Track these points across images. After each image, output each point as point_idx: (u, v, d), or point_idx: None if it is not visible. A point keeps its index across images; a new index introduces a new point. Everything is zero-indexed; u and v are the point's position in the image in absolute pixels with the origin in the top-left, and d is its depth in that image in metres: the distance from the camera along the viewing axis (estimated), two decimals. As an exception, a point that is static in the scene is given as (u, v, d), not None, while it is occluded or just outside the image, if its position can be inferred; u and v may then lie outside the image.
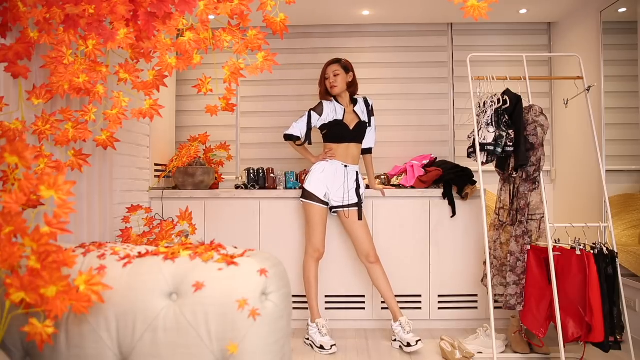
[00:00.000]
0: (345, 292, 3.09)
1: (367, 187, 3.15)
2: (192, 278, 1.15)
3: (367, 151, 3.01)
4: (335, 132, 2.87)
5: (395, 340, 2.73)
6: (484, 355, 2.57)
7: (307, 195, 2.85)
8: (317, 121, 2.87)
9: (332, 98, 2.90)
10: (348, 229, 2.87)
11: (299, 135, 2.86)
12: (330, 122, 2.86)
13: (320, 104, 2.88)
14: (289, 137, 2.89)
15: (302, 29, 3.70)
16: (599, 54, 3.01)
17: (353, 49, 3.73)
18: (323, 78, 2.89)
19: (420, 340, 2.60)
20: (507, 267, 2.53)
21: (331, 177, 2.84)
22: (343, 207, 2.83)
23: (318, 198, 2.82)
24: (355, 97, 2.95)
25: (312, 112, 2.87)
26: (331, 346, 2.68)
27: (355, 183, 2.87)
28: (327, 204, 2.85)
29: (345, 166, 2.86)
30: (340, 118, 2.85)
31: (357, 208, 2.82)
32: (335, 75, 2.84)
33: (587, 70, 2.87)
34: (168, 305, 1.15)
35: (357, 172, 2.90)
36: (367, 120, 2.90)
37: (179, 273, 1.17)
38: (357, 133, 2.88)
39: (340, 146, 2.87)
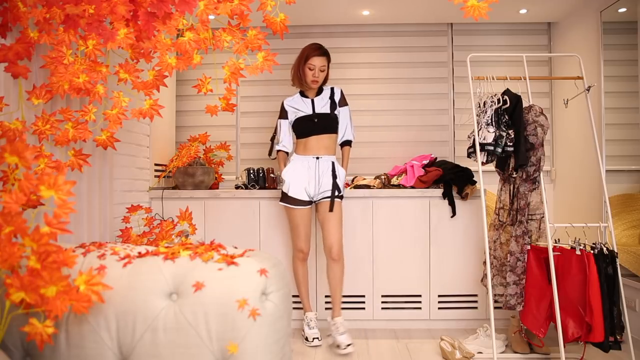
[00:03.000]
0: (346, 292, 3.09)
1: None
2: (192, 278, 1.16)
3: (344, 144, 2.89)
4: (301, 128, 2.79)
5: (329, 335, 2.73)
6: (484, 355, 2.57)
7: (285, 198, 2.78)
8: (289, 125, 2.84)
9: (299, 91, 2.84)
10: (319, 219, 2.81)
11: (287, 149, 2.86)
12: (295, 120, 2.80)
13: (283, 109, 2.84)
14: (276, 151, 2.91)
15: (302, 29, 3.70)
16: (599, 54, 3.01)
17: (353, 49, 3.73)
18: (304, 65, 2.71)
19: (351, 344, 2.56)
20: (507, 267, 2.53)
21: (305, 173, 2.74)
22: (322, 199, 2.75)
23: (297, 200, 2.74)
24: (323, 86, 2.84)
25: (280, 121, 2.85)
26: (313, 339, 2.74)
27: (330, 172, 2.75)
28: (310, 202, 2.78)
29: (317, 158, 2.75)
30: (310, 112, 2.77)
31: (329, 198, 2.73)
32: (321, 71, 2.72)
33: (587, 70, 2.87)
34: (168, 305, 1.15)
35: (332, 162, 2.78)
36: (328, 112, 2.78)
37: (179, 273, 1.17)
38: (324, 123, 2.77)
39: (310, 139, 2.77)
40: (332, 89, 2.83)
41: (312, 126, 2.76)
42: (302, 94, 2.83)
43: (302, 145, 2.80)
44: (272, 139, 2.89)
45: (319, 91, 2.82)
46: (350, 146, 2.90)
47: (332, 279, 2.76)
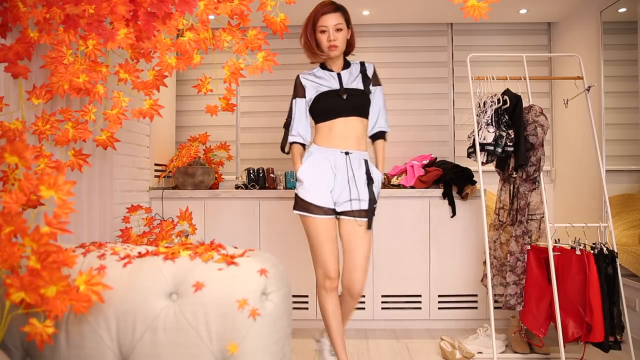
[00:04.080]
0: (345, 292, 3.09)
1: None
2: (192, 278, 1.15)
3: (377, 136, 2.19)
4: (325, 106, 2.09)
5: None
6: (484, 355, 2.57)
7: (300, 204, 2.08)
8: (307, 105, 2.15)
9: (320, 64, 2.18)
10: (343, 239, 2.11)
11: (304, 140, 2.15)
12: (317, 96, 2.10)
13: (299, 84, 2.15)
14: (285, 146, 2.21)
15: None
16: (599, 54, 3.01)
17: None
18: (313, 30, 2.08)
19: None
20: (507, 267, 2.53)
21: (329, 172, 2.06)
22: (351, 212, 2.06)
23: (319, 207, 2.05)
24: (348, 59, 2.20)
25: (295, 100, 2.14)
26: None
27: (364, 176, 2.06)
28: (333, 210, 2.08)
29: (347, 153, 2.06)
30: (337, 86, 2.09)
31: (366, 214, 2.05)
32: (337, 31, 2.04)
33: (587, 70, 2.87)
34: (168, 305, 1.15)
35: (366, 161, 2.10)
36: (361, 88, 2.11)
37: (179, 273, 1.17)
38: (355, 102, 2.09)
39: (336, 124, 2.07)
40: (361, 63, 2.17)
41: (339, 104, 2.06)
42: (324, 67, 2.16)
43: (324, 132, 2.09)
44: (287, 125, 2.18)
45: (346, 65, 2.16)
46: (385, 140, 2.22)
47: (342, 313, 2.15)
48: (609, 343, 2.24)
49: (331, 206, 2.06)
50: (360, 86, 2.10)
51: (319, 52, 2.09)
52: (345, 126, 2.07)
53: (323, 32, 2.05)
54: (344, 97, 2.07)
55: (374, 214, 2.07)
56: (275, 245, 3.08)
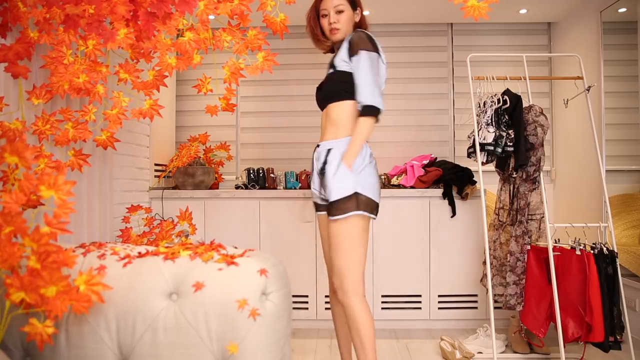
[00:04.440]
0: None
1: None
2: (192, 278, 1.16)
3: (361, 112, 1.80)
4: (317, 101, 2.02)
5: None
6: (484, 355, 2.57)
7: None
8: None
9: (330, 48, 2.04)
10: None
11: None
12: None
13: None
14: None
15: (302, 29, 3.67)
16: (599, 54, 3.01)
17: (353, 49, 3.73)
18: (316, 16, 1.98)
19: None
20: (506, 267, 2.53)
21: (313, 171, 1.97)
22: (321, 206, 1.95)
23: (315, 203, 2.00)
24: None
25: None
26: None
27: (322, 164, 1.85)
28: (321, 207, 1.98)
29: (318, 146, 1.92)
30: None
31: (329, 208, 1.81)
32: (338, 12, 1.88)
33: (587, 70, 2.87)
34: (168, 305, 1.15)
35: (329, 150, 1.84)
36: (334, 70, 1.87)
37: (179, 273, 1.17)
38: (326, 89, 1.90)
39: (321, 117, 1.96)
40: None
41: (318, 97, 1.97)
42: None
43: None
44: None
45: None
46: (371, 116, 1.79)
47: (345, 326, 2.00)
48: (609, 343, 2.24)
49: (319, 202, 1.96)
50: (332, 69, 1.90)
51: (322, 39, 1.99)
52: (324, 117, 1.92)
53: (324, 16, 1.93)
54: (320, 88, 1.96)
55: (333, 204, 1.77)
56: (275, 245, 3.08)
